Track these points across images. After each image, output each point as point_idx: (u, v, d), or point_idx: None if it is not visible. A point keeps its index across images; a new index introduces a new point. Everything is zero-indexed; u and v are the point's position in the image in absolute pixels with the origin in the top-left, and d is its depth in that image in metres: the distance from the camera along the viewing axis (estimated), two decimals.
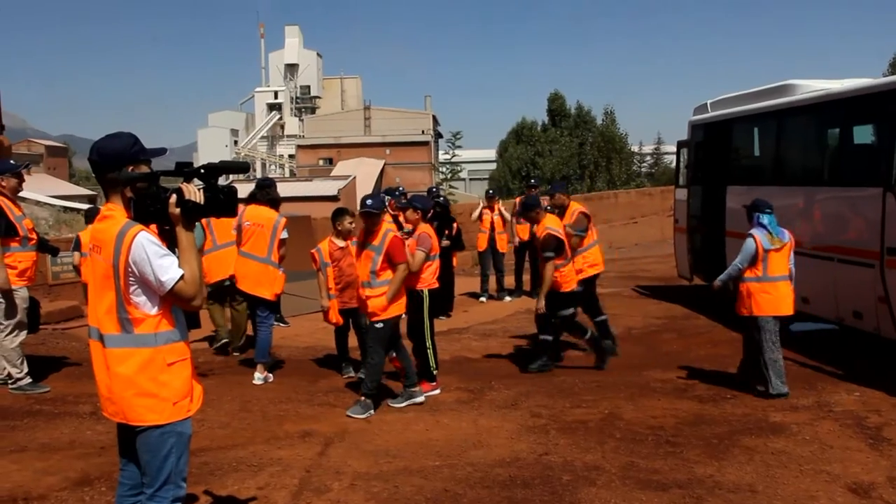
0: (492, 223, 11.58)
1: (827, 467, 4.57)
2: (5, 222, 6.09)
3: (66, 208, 28.24)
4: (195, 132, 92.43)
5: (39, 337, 7.77)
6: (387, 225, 6.06)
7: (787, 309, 6.09)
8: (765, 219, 6.10)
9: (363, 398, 5.85)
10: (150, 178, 2.80)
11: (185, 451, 2.90)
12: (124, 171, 2.77)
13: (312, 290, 7.82)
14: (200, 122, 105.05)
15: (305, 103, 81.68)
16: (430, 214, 7.12)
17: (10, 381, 6.35)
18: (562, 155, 56.11)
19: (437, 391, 6.41)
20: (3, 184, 6.20)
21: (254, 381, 6.80)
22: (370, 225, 5.94)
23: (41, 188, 35.39)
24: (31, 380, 6.43)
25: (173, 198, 2.75)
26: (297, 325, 9.75)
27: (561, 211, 7.58)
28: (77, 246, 8.17)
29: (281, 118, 79.97)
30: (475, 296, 11.87)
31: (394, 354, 6.08)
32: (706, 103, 10.90)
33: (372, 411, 5.82)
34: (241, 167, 3.35)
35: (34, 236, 6.48)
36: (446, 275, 9.07)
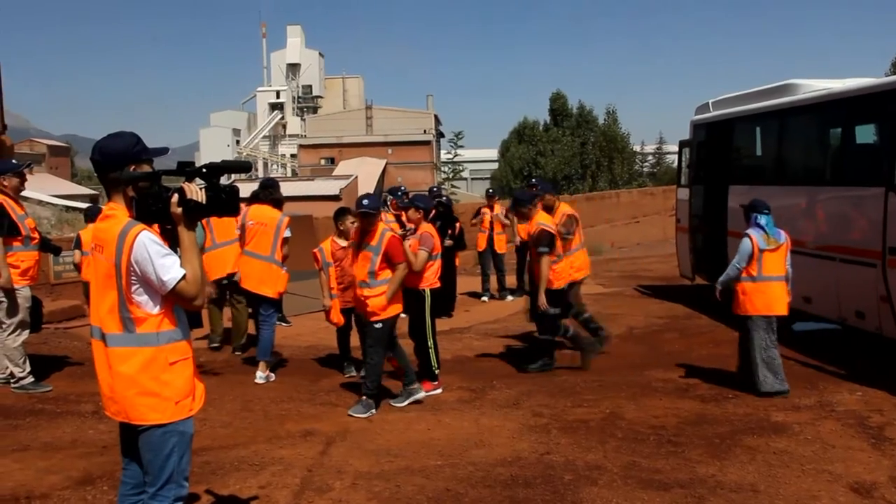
0: (491, 223, 11.58)
1: (829, 467, 4.57)
2: (8, 222, 6.10)
3: (68, 208, 28.31)
4: (197, 132, 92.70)
5: (42, 336, 7.78)
6: (383, 225, 6.05)
7: (781, 309, 6.11)
8: (762, 219, 6.14)
9: (364, 398, 5.86)
10: (152, 177, 2.80)
11: (187, 450, 2.90)
12: (126, 171, 2.77)
13: (314, 290, 7.83)
14: (202, 121, 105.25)
15: (307, 103, 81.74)
16: (432, 214, 7.11)
17: (12, 381, 6.36)
18: (564, 154, 56.08)
19: (439, 391, 6.41)
20: (6, 183, 6.21)
21: (255, 381, 6.81)
22: (366, 225, 5.91)
23: (43, 188, 35.45)
24: (33, 379, 6.44)
25: (175, 197, 2.74)
26: (299, 325, 9.75)
27: (549, 212, 7.53)
28: (77, 244, 8.18)
29: (283, 118, 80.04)
30: (477, 295, 11.88)
31: (390, 354, 6.08)
32: (708, 103, 10.89)
33: (373, 411, 5.82)
34: (243, 167, 3.33)
35: (36, 236, 6.49)
36: (448, 274, 9.07)
